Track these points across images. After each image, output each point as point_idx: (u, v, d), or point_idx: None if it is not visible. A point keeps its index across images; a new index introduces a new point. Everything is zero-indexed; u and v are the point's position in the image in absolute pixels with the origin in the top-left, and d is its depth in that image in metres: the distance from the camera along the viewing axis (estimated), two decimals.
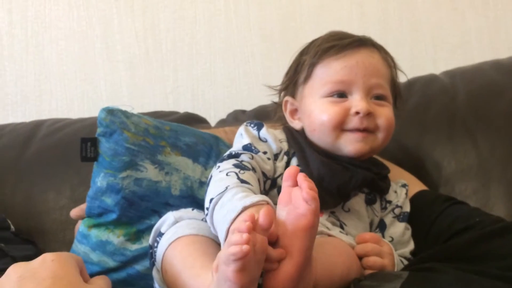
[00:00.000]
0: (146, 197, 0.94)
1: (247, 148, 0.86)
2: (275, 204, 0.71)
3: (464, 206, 0.96)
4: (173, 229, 0.81)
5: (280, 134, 0.93)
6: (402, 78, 0.99)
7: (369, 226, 0.91)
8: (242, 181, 0.75)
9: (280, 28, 1.51)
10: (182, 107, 1.45)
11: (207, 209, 0.75)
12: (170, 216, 0.84)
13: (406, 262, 0.88)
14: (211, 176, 0.80)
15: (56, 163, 1.19)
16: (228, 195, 0.72)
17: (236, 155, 0.83)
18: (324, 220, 0.85)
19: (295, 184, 0.67)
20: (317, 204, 0.65)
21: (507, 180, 1.09)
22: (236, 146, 0.88)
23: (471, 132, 1.14)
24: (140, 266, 0.93)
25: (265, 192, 0.86)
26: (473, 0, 1.50)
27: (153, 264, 0.83)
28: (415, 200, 0.96)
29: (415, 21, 1.51)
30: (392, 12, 1.51)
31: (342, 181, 0.85)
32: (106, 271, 0.92)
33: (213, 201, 0.73)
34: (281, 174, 0.87)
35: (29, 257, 0.80)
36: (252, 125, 0.91)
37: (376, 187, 0.91)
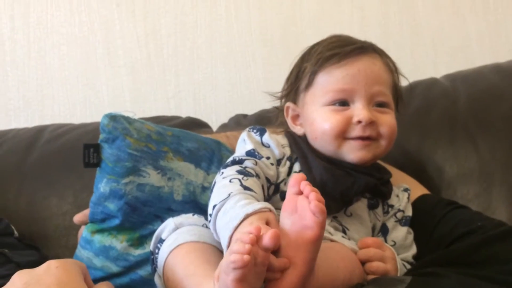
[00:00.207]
0: (148, 203, 0.94)
1: (250, 153, 0.86)
2: (277, 209, 0.71)
3: (466, 210, 0.96)
4: (174, 236, 0.81)
5: (282, 139, 0.93)
6: (403, 82, 0.99)
7: (372, 231, 0.91)
8: (245, 188, 0.75)
9: (281, 33, 1.52)
10: (184, 112, 1.45)
11: (210, 215, 0.75)
12: (170, 222, 0.84)
13: (408, 266, 0.88)
14: (215, 183, 0.80)
15: (59, 168, 1.19)
16: (230, 202, 0.72)
17: (239, 161, 0.83)
18: (326, 225, 0.84)
19: (301, 191, 0.67)
20: (325, 216, 0.64)
21: (509, 184, 1.09)
22: (239, 152, 0.88)
23: (472, 135, 1.15)
24: (143, 271, 0.93)
25: (268, 197, 0.85)
26: (474, 4, 1.51)
27: (154, 270, 0.84)
28: (417, 204, 0.96)
29: (416, 25, 1.51)
30: (392, 16, 1.51)
31: (345, 186, 0.85)
32: (109, 276, 0.92)
33: (216, 207, 0.73)
34: (284, 180, 0.87)
35: (32, 263, 0.80)
36: (254, 130, 0.91)
37: (378, 192, 0.91)
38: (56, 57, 1.52)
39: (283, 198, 0.84)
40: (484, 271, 0.76)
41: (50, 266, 0.67)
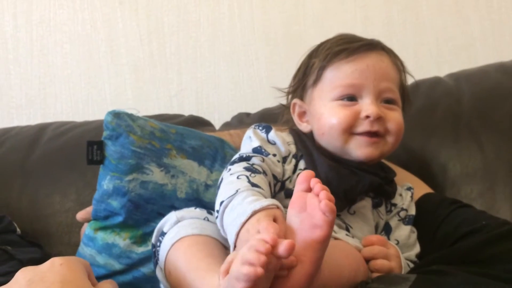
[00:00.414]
0: (152, 200, 0.94)
1: (257, 150, 0.86)
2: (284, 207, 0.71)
3: (470, 209, 0.95)
4: (176, 229, 0.81)
5: (287, 136, 0.92)
6: (408, 81, 0.99)
7: (375, 229, 0.91)
8: (253, 185, 0.75)
9: (284, 31, 1.51)
10: (187, 110, 1.45)
11: (217, 211, 0.75)
12: (172, 215, 0.84)
13: (412, 265, 0.87)
14: (222, 179, 0.80)
15: (61, 166, 1.19)
16: (238, 199, 0.72)
17: (247, 158, 0.83)
18: None
19: (310, 189, 0.66)
20: (335, 215, 0.63)
21: None
22: (246, 149, 0.88)
23: (476, 134, 1.15)
24: (146, 269, 0.93)
25: (274, 194, 0.85)
26: (477, 3, 1.51)
27: (156, 263, 0.84)
28: (420, 203, 0.96)
29: (419, 24, 1.51)
30: (396, 15, 1.51)
31: (349, 185, 0.85)
32: (112, 274, 0.92)
33: (223, 204, 0.73)
34: (290, 177, 0.87)
35: (35, 260, 0.80)
36: (260, 128, 0.91)
37: (382, 192, 0.90)
38: (59, 55, 1.52)
39: (287, 195, 0.85)
40: (489, 269, 0.75)
41: (54, 264, 0.67)
